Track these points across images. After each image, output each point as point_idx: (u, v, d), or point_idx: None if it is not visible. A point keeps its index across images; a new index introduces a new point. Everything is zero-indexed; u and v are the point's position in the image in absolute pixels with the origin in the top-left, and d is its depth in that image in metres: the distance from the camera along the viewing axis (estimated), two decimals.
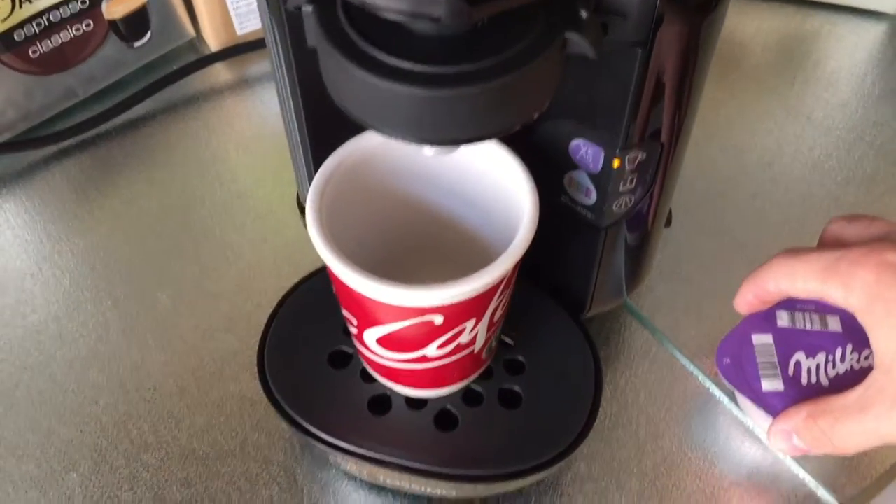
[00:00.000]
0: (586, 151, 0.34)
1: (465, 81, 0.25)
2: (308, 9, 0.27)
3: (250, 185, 0.53)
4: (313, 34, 0.28)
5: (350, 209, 0.35)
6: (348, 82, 0.27)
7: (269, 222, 0.51)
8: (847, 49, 0.61)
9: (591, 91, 0.32)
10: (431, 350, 0.34)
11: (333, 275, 0.33)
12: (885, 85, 0.58)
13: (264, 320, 0.43)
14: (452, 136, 0.27)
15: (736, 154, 0.54)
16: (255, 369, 0.40)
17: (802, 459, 0.41)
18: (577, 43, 0.26)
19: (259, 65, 0.59)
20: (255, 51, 0.59)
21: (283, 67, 0.35)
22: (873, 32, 0.61)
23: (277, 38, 0.34)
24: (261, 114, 0.57)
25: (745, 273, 0.49)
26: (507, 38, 0.26)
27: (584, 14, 0.26)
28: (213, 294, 0.48)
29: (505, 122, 0.27)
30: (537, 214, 0.32)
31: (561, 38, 0.26)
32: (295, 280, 0.46)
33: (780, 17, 0.62)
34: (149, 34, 0.56)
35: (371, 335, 0.35)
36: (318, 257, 0.48)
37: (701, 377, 0.45)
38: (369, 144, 0.35)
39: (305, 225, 0.47)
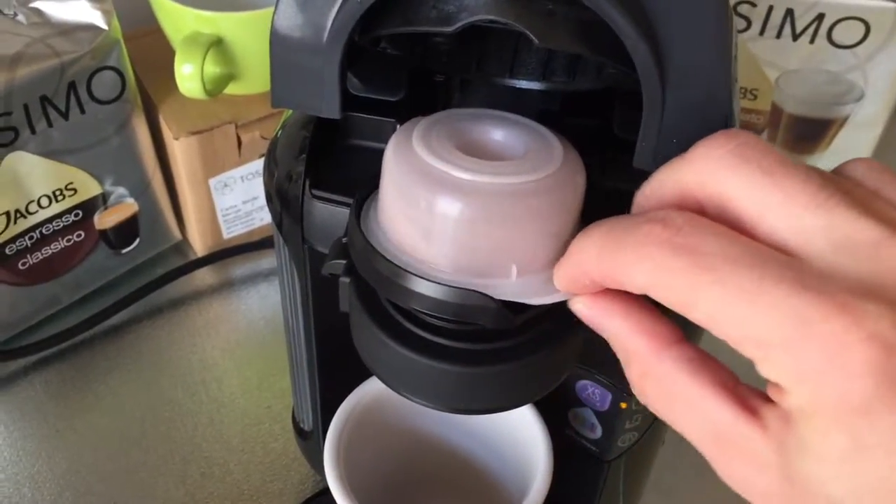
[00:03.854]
0: (593, 392, 0.35)
1: (500, 359, 0.26)
2: (345, 280, 0.28)
3: (236, 394, 0.52)
4: (347, 301, 0.29)
5: (367, 446, 0.35)
6: (381, 352, 0.28)
7: (256, 434, 0.50)
8: None
9: (599, 340, 0.33)
10: None
11: None
12: None
13: None
14: (483, 406, 0.28)
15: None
16: None
17: None
18: None
19: (243, 267, 0.60)
20: (240, 254, 0.60)
21: (299, 302, 0.36)
22: None
23: (296, 279, 0.35)
24: (245, 317, 0.57)
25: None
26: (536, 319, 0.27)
27: None
28: None
29: (527, 394, 0.28)
30: (552, 471, 0.33)
31: None
32: (283, 498, 0.45)
33: None
34: (137, 240, 0.56)
35: None
36: (307, 474, 0.48)
37: None
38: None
39: (298, 444, 0.47)
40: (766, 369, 0.19)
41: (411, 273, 0.24)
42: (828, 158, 0.61)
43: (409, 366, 0.27)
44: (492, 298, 0.23)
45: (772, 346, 0.18)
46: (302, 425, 0.44)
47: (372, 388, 0.35)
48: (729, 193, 0.20)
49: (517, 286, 0.24)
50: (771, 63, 0.58)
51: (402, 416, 0.36)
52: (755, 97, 0.60)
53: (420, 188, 0.23)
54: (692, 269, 0.19)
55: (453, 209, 0.22)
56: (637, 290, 0.20)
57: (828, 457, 0.18)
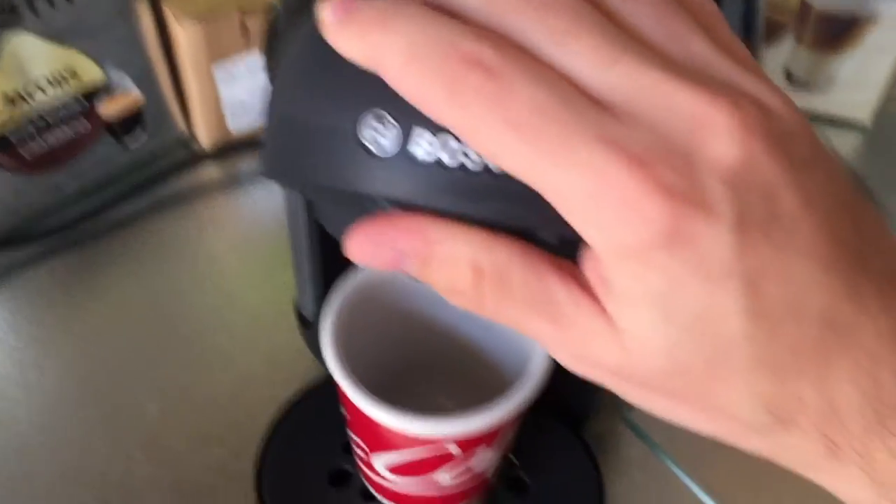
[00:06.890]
0: None
1: None
2: None
3: (241, 288, 0.52)
4: None
5: (365, 329, 0.34)
6: None
7: (261, 326, 0.50)
8: None
9: None
10: (442, 476, 0.34)
11: (350, 403, 0.32)
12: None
13: (257, 431, 0.42)
14: None
15: None
16: (248, 485, 0.39)
17: None
18: None
19: (250, 162, 0.59)
20: (246, 150, 0.59)
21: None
22: (849, 141, 0.64)
23: None
24: (252, 213, 0.57)
25: None
26: None
27: None
28: (203, 403, 0.46)
29: None
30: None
31: None
32: (288, 389, 0.45)
33: None
34: (141, 132, 0.56)
35: (381, 461, 0.34)
36: (311, 366, 0.48)
37: (695, 488, 0.45)
38: None
39: (301, 333, 0.47)
40: (575, 221, 0.19)
41: None
42: (856, 58, 0.59)
43: None
44: None
45: (575, 200, 0.18)
46: (304, 314, 0.43)
47: (366, 272, 0.35)
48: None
49: None
50: None
51: (397, 299, 0.36)
52: None
53: None
54: (503, 125, 0.18)
55: None
56: (438, 120, 0.19)
57: (641, 298, 0.19)
